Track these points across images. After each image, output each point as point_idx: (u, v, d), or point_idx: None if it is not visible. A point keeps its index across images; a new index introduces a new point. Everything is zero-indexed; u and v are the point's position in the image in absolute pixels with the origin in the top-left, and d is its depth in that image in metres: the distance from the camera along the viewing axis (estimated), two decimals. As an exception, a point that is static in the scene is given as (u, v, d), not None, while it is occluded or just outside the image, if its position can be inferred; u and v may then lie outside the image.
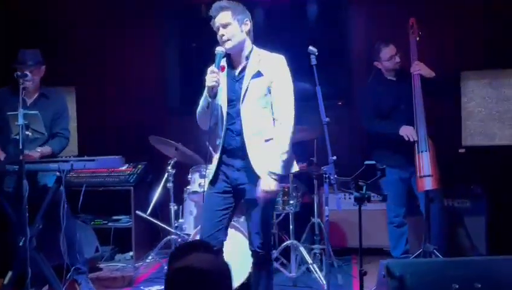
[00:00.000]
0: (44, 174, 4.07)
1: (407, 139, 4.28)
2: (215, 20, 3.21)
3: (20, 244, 3.77)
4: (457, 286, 2.72)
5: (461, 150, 5.34)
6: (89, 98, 5.83)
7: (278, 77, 3.23)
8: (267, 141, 3.22)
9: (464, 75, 5.41)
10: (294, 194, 4.56)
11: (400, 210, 4.54)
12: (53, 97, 4.34)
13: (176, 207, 4.68)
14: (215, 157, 3.31)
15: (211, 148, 3.47)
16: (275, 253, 4.49)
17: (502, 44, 5.21)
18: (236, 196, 3.31)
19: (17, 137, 3.65)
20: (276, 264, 4.49)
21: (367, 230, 5.09)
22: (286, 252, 4.62)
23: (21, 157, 3.56)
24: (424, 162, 4.23)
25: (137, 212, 4.84)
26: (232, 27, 3.18)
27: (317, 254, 4.68)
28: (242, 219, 4.18)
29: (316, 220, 4.75)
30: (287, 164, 3.21)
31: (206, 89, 3.18)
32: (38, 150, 4.06)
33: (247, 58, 3.26)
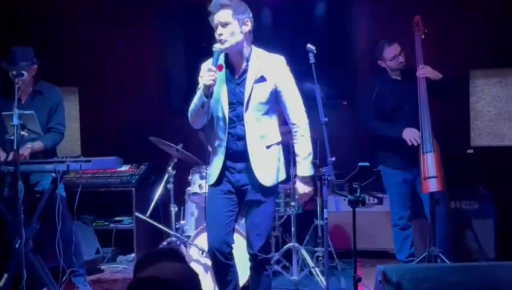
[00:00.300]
0: (40, 175, 4.03)
1: (410, 144, 4.18)
2: (214, 16, 3.08)
3: (16, 246, 3.73)
4: (456, 293, 2.63)
5: (469, 151, 5.20)
6: (92, 98, 5.79)
7: (283, 81, 3.17)
8: (268, 147, 3.19)
9: (472, 73, 5.28)
10: (296, 196, 4.47)
11: (404, 212, 4.43)
12: (48, 92, 4.29)
13: (176, 208, 4.61)
14: (219, 160, 3.20)
15: (209, 147, 3.38)
16: (276, 255, 4.42)
17: (512, 42, 5.08)
18: (240, 197, 3.24)
19: (12, 138, 3.61)
20: (277, 267, 4.43)
21: (372, 232, 5.06)
22: (288, 255, 4.54)
23: (10, 157, 3.50)
24: (429, 163, 4.12)
25: (136, 213, 4.78)
26: (231, 27, 3.05)
27: (320, 257, 4.58)
28: (243, 221, 4.10)
29: (318, 222, 4.65)
30: (313, 164, 3.30)
31: (202, 87, 3.08)
32: (29, 146, 4.00)
33: (247, 60, 3.16)
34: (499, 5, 5.12)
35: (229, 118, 3.14)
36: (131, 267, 4.96)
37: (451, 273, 2.70)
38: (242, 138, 3.15)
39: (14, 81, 3.80)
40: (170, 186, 4.60)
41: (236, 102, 3.14)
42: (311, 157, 3.23)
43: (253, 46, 3.20)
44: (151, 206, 4.61)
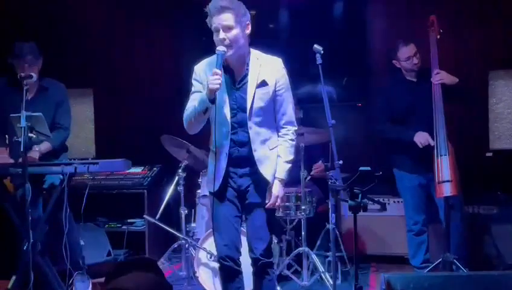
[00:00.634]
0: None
1: (421, 146, 4.08)
2: (214, 19, 2.96)
3: (24, 248, 3.73)
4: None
5: (488, 154, 5.06)
6: (106, 100, 5.81)
7: (282, 84, 3.13)
8: (271, 149, 3.15)
9: (492, 74, 5.15)
10: (308, 199, 4.39)
11: (419, 217, 4.32)
12: (52, 88, 4.28)
13: (186, 211, 4.57)
14: (221, 166, 3.11)
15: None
16: (286, 260, 4.35)
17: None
18: (242, 199, 3.18)
19: (20, 140, 3.60)
20: (288, 272, 4.36)
21: (386, 237, 4.97)
22: (300, 260, 4.45)
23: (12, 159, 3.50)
24: (444, 166, 4.00)
25: (145, 216, 4.76)
26: (235, 31, 2.96)
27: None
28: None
29: (330, 226, 4.54)
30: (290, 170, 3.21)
31: (206, 92, 2.95)
32: (37, 149, 3.99)
33: (247, 64, 3.08)
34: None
35: (231, 124, 3.07)
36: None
37: (457, 283, 2.59)
38: (245, 144, 3.09)
39: (22, 83, 3.79)
40: (180, 188, 4.56)
41: (237, 108, 3.08)
42: (292, 163, 3.18)
43: (250, 48, 3.12)
44: (161, 209, 4.57)
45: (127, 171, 4.96)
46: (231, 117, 3.07)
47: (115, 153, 4.25)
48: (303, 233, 4.33)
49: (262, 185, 3.12)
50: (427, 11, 4.52)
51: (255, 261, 3.18)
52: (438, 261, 4.14)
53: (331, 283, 4.15)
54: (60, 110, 4.26)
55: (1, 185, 4.08)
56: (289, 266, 4.47)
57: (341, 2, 5.49)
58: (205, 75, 3.06)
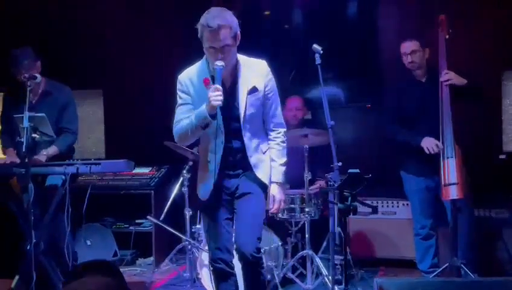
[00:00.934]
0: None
1: (428, 152, 4.00)
2: (210, 34, 2.87)
3: (27, 248, 3.75)
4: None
5: (501, 156, 4.93)
6: (116, 100, 5.82)
7: (270, 88, 3.13)
8: (264, 153, 3.18)
9: (506, 74, 5.02)
10: (314, 201, 4.34)
11: (427, 221, 4.23)
12: (57, 92, 4.30)
13: (191, 212, 4.55)
14: (213, 173, 3.07)
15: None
16: (290, 262, 4.29)
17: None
18: (233, 196, 3.16)
19: (23, 140, 3.62)
20: (292, 275, 4.30)
21: (396, 241, 4.88)
22: (304, 263, 4.40)
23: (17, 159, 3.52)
24: (450, 169, 3.91)
25: (148, 217, 4.75)
26: (230, 47, 2.93)
27: (337, 265, 4.42)
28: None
29: (336, 229, 4.49)
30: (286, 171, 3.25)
31: (207, 108, 2.88)
32: (44, 153, 4.02)
33: (236, 71, 3.06)
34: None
35: (225, 133, 3.04)
36: (150, 270, 4.96)
37: (451, 289, 2.51)
38: (239, 151, 3.09)
39: (26, 84, 3.82)
40: (185, 189, 4.53)
41: (230, 117, 3.05)
42: (286, 165, 3.21)
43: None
44: (165, 210, 4.55)
45: (134, 171, 5.03)
46: (224, 127, 3.03)
47: (124, 153, 4.23)
48: (307, 235, 4.28)
49: (251, 177, 3.12)
50: (438, 10, 4.44)
51: (244, 258, 3.06)
52: (445, 266, 4.05)
53: (334, 286, 4.10)
54: (65, 113, 4.28)
55: (6, 185, 4.11)
56: (294, 269, 4.43)
57: (351, 2, 5.42)
58: (192, 85, 3.06)
